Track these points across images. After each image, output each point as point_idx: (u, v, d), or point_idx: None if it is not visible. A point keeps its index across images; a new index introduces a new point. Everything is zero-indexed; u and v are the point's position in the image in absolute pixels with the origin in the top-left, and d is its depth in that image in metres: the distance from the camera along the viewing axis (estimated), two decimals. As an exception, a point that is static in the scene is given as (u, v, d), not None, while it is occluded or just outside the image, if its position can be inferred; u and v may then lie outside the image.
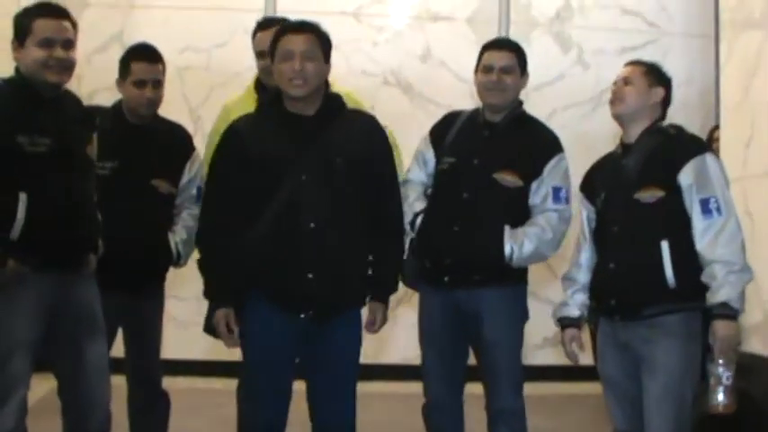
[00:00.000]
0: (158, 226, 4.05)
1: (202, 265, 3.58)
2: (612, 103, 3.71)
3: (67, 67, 3.52)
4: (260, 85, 4.28)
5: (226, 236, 3.49)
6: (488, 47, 4.08)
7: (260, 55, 4.18)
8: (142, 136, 4.04)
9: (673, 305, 3.47)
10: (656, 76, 3.73)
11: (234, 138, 3.56)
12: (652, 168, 3.58)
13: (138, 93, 4.01)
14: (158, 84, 4.06)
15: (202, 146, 4.31)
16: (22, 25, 3.49)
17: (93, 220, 3.64)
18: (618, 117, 3.71)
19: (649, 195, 3.54)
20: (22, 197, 3.34)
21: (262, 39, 4.15)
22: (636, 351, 3.53)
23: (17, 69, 3.52)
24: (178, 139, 4.19)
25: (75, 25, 3.58)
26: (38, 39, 3.45)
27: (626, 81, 3.68)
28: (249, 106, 3.97)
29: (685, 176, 3.51)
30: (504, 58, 3.98)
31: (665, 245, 3.49)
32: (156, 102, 4.07)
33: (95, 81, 4.19)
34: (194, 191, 4.11)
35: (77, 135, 3.59)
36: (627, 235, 3.58)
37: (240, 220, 3.48)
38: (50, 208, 3.39)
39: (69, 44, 3.52)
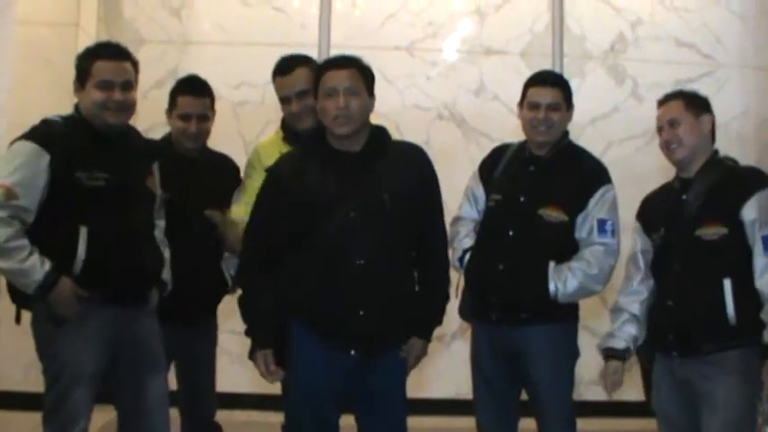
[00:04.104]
0: (212, 256, 4.07)
1: (243, 305, 3.53)
2: (668, 150, 3.62)
3: (126, 108, 3.56)
4: (287, 127, 4.10)
5: (267, 278, 3.44)
6: (533, 82, 4.01)
7: (283, 101, 4.05)
8: (192, 167, 4.06)
9: (732, 341, 3.43)
10: (696, 103, 3.64)
11: (274, 186, 3.48)
12: (714, 204, 3.52)
13: (182, 126, 4.06)
14: (204, 118, 4.09)
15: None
16: (83, 67, 3.55)
17: (155, 253, 3.67)
18: (680, 162, 3.63)
19: (712, 233, 3.48)
20: (83, 231, 3.40)
21: (281, 84, 4.05)
22: (695, 387, 3.48)
23: (76, 107, 3.57)
24: (227, 170, 4.21)
25: (135, 65, 3.62)
26: (97, 81, 3.50)
27: (672, 123, 3.59)
28: (279, 148, 3.91)
29: (748, 211, 3.45)
30: (550, 95, 3.93)
31: (727, 283, 3.44)
32: (200, 135, 4.11)
33: (151, 117, 4.24)
34: None
35: (136, 168, 3.64)
36: (688, 273, 3.53)
37: (282, 259, 3.43)
38: (110, 241, 3.44)
39: (128, 85, 3.56)
